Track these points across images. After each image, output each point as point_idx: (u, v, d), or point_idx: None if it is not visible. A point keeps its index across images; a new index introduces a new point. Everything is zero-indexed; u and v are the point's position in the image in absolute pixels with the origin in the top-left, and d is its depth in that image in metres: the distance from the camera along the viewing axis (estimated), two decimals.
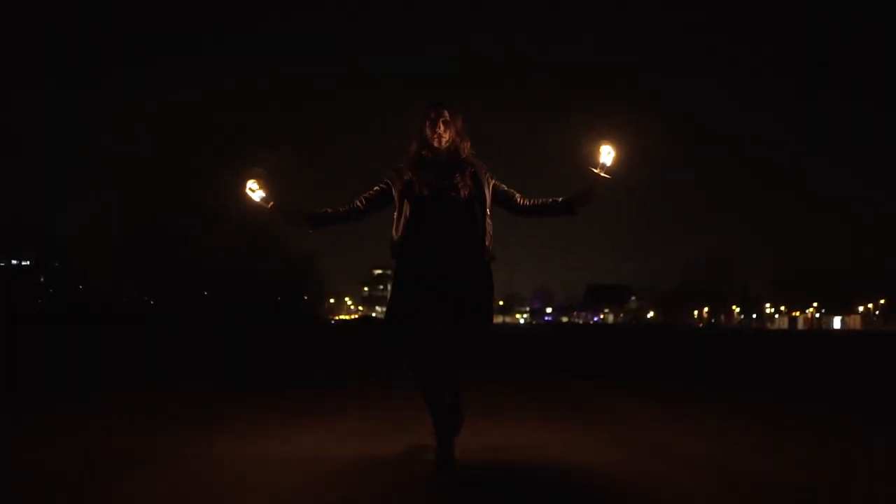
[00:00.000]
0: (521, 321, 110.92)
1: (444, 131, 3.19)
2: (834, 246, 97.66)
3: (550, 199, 3.32)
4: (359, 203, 3.28)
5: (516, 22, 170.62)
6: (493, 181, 3.29)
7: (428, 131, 3.19)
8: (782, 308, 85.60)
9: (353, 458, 3.34)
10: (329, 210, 3.31)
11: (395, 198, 3.22)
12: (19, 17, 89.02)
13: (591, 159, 3.21)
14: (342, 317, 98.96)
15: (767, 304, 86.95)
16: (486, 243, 3.19)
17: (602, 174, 3.20)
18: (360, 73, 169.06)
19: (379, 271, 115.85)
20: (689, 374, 9.51)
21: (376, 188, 3.28)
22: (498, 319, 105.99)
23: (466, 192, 3.17)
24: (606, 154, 3.21)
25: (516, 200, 3.33)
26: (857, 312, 77.84)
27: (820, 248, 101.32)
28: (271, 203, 3.29)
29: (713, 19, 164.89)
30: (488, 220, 3.22)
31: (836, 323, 79.04)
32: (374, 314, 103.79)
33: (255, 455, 3.40)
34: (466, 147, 3.25)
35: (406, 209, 3.17)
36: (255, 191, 3.29)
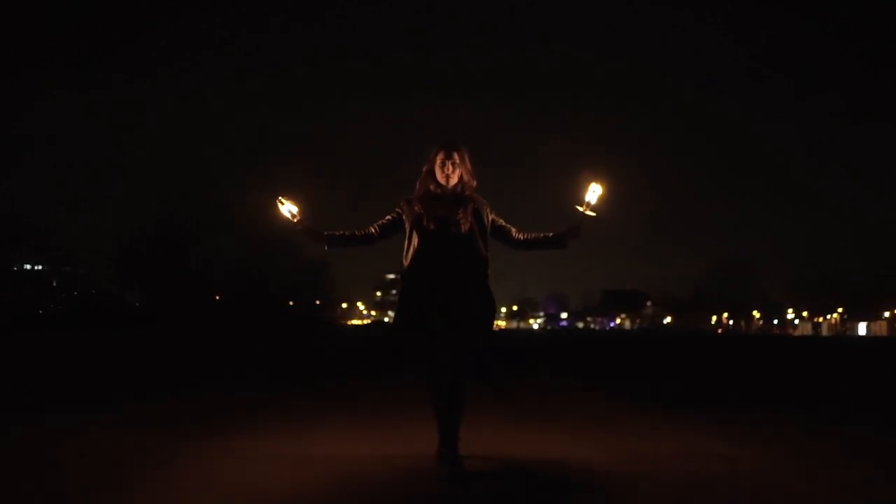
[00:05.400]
0: (535, 326, 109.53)
1: (454, 172, 3.50)
2: (852, 251, 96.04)
3: (542, 234, 3.63)
4: (373, 230, 3.60)
5: (517, 26, 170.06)
6: (493, 216, 3.60)
7: (438, 171, 3.50)
8: (804, 313, 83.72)
9: (364, 460, 3.55)
10: (346, 233, 3.62)
11: (406, 228, 3.52)
12: (27, 18, 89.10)
13: (578, 198, 3.46)
14: (354, 321, 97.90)
15: (790, 310, 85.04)
16: (484, 269, 3.48)
17: (588, 212, 3.45)
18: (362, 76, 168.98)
19: (391, 276, 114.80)
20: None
21: (389, 217, 3.60)
22: (512, 325, 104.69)
23: (468, 227, 3.45)
24: (592, 193, 3.49)
25: (512, 235, 3.63)
26: (882, 318, 75.83)
27: (838, 254, 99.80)
28: (298, 219, 3.57)
29: (713, 21, 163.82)
30: (486, 251, 3.50)
31: (862, 329, 77.04)
32: (386, 319, 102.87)
33: (272, 454, 3.66)
34: (472, 186, 3.55)
35: (415, 240, 3.46)
36: (283, 203, 3.55)
